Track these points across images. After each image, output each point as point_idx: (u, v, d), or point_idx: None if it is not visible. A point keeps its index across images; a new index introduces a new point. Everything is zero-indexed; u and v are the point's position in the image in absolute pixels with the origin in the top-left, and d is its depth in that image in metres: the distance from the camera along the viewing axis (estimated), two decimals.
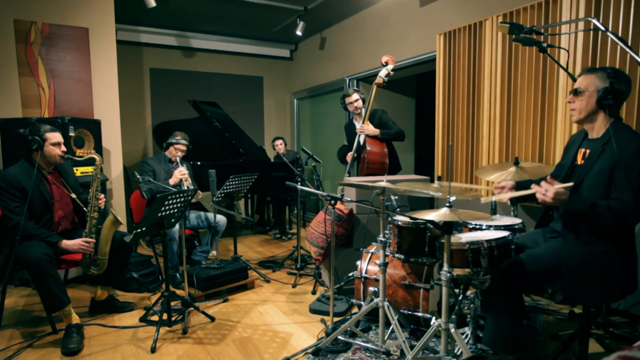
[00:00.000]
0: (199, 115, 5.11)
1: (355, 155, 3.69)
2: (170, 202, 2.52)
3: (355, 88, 3.75)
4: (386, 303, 2.24)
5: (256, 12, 5.30)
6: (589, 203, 1.69)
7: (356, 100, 3.69)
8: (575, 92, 1.83)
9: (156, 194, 3.06)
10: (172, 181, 3.46)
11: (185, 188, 3.43)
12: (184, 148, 3.66)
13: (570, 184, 1.74)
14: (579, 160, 1.90)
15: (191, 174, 3.72)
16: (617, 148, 1.70)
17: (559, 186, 1.70)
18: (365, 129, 3.56)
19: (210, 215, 3.69)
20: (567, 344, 2.04)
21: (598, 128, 1.83)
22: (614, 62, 2.67)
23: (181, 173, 3.48)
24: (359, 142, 3.64)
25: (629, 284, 1.79)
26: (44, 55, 3.93)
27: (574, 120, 1.87)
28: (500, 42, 3.33)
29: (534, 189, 1.75)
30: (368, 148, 3.56)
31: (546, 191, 1.70)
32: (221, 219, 3.69)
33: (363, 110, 3.74)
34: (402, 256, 2.46)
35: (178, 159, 3.60)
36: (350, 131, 3.97)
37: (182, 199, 2.61)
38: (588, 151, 1.86)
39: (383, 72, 3.54)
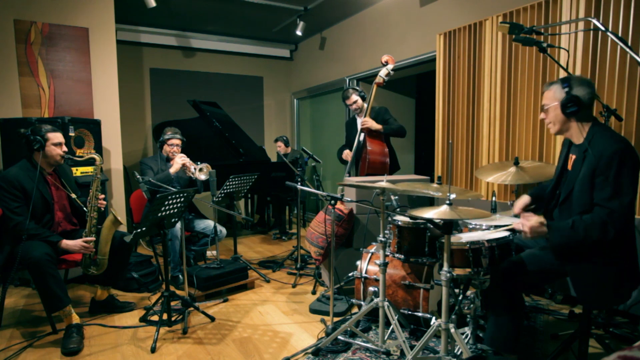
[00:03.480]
0: (199, 115, 5.11)
1: (355, 155, 3.69)
2: (170, 202, 2.52)
3: (354, 87, 3.74)
4: (386, 303, 2.24)
5: (256, 12, 5.30)
6: (568, 229, 1.70)
7: (355, 102, 3.71)
8: (542, 109, 1.91)
9: (156, 192, 3.04)
10: (172, 170, 3.36)
11: (191, 174, 3.39)
12: (178, 142, 3.55)
13: (541, 218, 1.78)
14: (570, 167, 1.93)
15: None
16: (595, 152, 1.72)
17: (534, 220, 1.75)
18: (367, 122, 3.55)
19: (211, 223, 3.63)
20: (567, 344, 2.04)
21: (577, 135, 1.85)
22: (614, 62, 2.67)
23: (182, 158, 3.37)
24: (359, 141, 3.63)
25: (633, 281, 1.77)
26: (44, 55, 3.93)
27: (553, 132, 1.92)
28: (500, 42, 3.33)
29: (514, 225, 1.85)
30: (369, 148, 3.55)
31: (523, 226, 1.78)
32: (222, 229, 3.64)
33: (365, 106, 3.74)
34: (402, 256, 2.46)
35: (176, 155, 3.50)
36: (351, 128, 3.96)
37: (182, 199, 2.61)
38: (574, 157, 1.89)
39: (383, 72, 3.54)
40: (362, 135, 3.61)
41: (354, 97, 3.70)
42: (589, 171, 1.74)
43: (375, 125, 3.56)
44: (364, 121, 3.56)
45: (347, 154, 3.85)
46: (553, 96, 1.85)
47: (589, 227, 1.67)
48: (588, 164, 1.75)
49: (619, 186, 1.66)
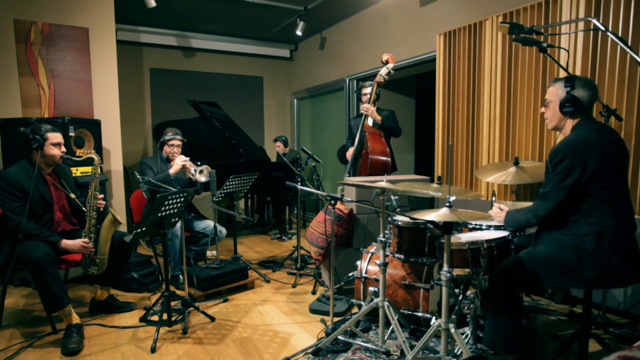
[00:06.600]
0: (199, 115, 5.10)
1: (356, 152, 3.68)
2: (170, 202, 2.52)
3: (371, 82, 3.79)
4: (386, 303, 2.24)
5: (256, 12, 5.30)
6: (515, 213, 1.95)
7: (371, 93, 3.73)
8: (544, 103, 1.98)
9: (156, 192, 3.04)
10: (172, 170, 3.36)
11: (191, 175, 3.38)
12: (179, 143, 3.55)
13: (503, 206, 2.08)
14: None
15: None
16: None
17: (496, 207, 2.08)
18: (369, 109, 3.57)
19: (211, 224, 3.63)
20: (567, 344, 2.04)
21: (566, 132, 1.91)
22: (614, 62, 2.67)
23: (182, 159, 3.37)
24: (360, 139, 3.62)
25: (604, 275, 1.75)
26: (44, 55, 3.93)
27: (549, 128, 2.00)
28: (500, 42, 3.33)
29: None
30: (370, 147, 3.54)
31: (491, 212, 2.09)
32: (222, 229, 3.64)
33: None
34: (402, 256, 2.46)
35: (176, 156, 3.50)
36: (356, 125, 3.96)
37: (182, 199, 2.61)
38: None
39: (384, 71, 3.54)
40: (364, 134, 3.62)
41: (370, 89, 3.74)
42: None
43: (376, 115, 3.59)
44: (367, 107, 3.58)
45: (350, 153, 3.85)
46: (555, 93, 1.90)
47: (522, 214, 1.90)
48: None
49: (546, 186, 1.83)
